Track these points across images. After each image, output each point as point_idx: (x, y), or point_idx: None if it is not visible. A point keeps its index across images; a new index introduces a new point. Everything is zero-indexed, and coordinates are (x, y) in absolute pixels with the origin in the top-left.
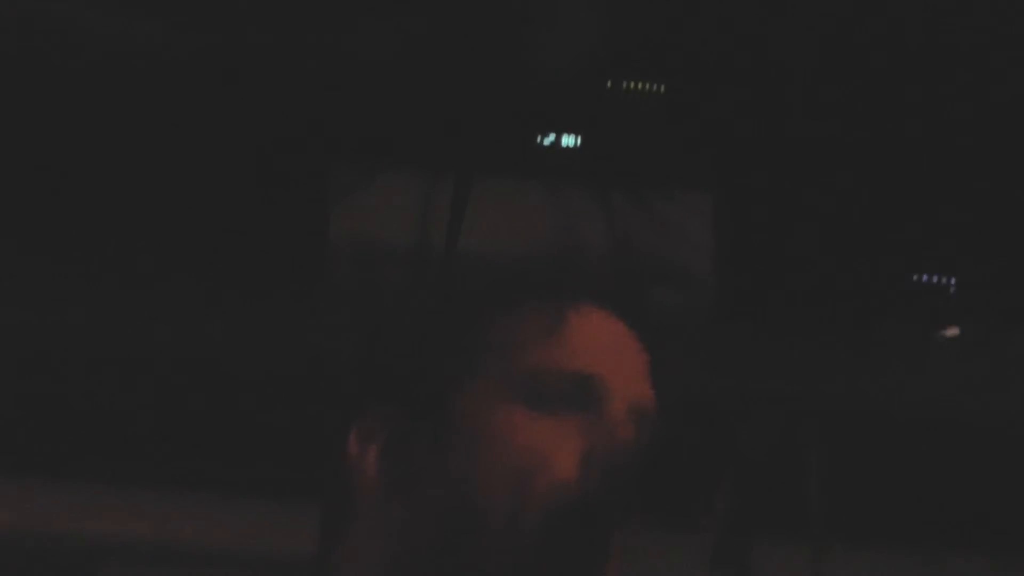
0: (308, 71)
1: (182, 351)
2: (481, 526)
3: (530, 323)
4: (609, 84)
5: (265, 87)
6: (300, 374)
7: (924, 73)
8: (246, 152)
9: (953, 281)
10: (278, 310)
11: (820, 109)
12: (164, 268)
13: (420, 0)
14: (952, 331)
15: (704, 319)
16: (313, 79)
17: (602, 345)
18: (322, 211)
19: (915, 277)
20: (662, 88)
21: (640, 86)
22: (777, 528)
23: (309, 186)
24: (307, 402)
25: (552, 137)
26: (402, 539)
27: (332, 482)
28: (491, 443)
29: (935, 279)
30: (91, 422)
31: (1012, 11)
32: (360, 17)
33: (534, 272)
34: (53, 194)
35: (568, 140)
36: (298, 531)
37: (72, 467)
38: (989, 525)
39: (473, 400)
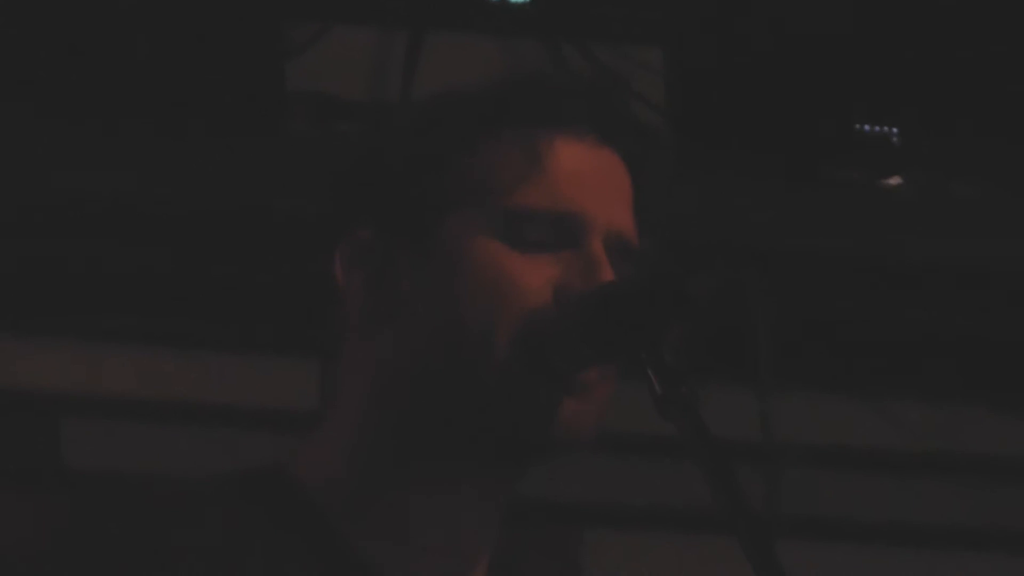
0: None
1: (141, 200)
2: (457, 346)
3: (508, 159)
4: None
5: None
6: (256, 224)
7: None
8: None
9: (896, 130)
10: (236, 161)
11: None
12: (120, 115)
13: None
14: (895, 179)
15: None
16: None
17: (583, 178)
18: (278, 65)
19: (859, 126)
20: None
21: None
22: (724, 373)
23: (266, 41)
24: (264, 255)
25: None
26: (393, 360)
27: (324, 304)
28: (472, 273)
29: (878, 128)
30: (50, 275)
31: None
32: None
33: (517, 101)
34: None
35: None
36: (263, 383)
37: (33, 323)
38: (933, 369)
39: (456, 232)
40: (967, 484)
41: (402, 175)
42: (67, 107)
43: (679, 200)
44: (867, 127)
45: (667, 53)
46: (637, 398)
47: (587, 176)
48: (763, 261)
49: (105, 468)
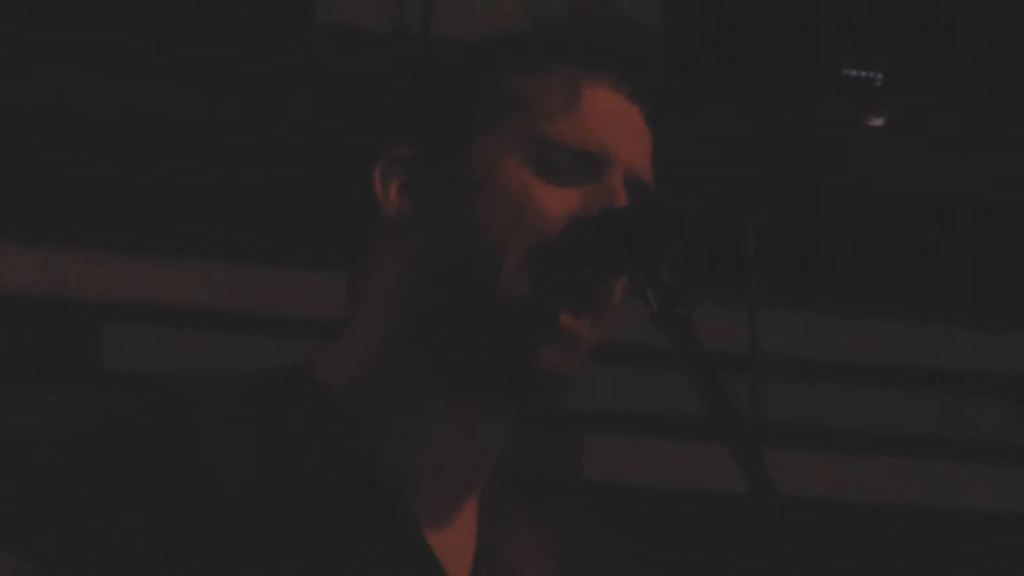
0: None
1: (173, 120)
2: (475, 258)
3: (548, 92)
4: None
5: None
6: (284, 146)
7: None
8: None
9: (880, 75)
10: (267, 86)
11: None
12: (155, 39)
13: None
14: (878, 120)
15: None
16: None
17: (610, 122)
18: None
19: (846, 71)
20: None
21: None
22: (715, 291)
23: None
24: (289, 169)
25: None
26: (416, 265)
27: (358, 212)
28: (498, 193)
29: (864, 73)
30: (91, 190)
31: None
32: None
33: (562, 41)
34: None
35: None
36: (294, 293)
37: (75, 235)
38: (909, 288)
39: (488, 153)
40: (943, 396)
41: (443, 94)
42: (110, 33)
43: (678, 129)
44: (854, 72)
45: None
46: (635, 312)
47: (617, 122)
48: (754, 187)
49: (142, 371)
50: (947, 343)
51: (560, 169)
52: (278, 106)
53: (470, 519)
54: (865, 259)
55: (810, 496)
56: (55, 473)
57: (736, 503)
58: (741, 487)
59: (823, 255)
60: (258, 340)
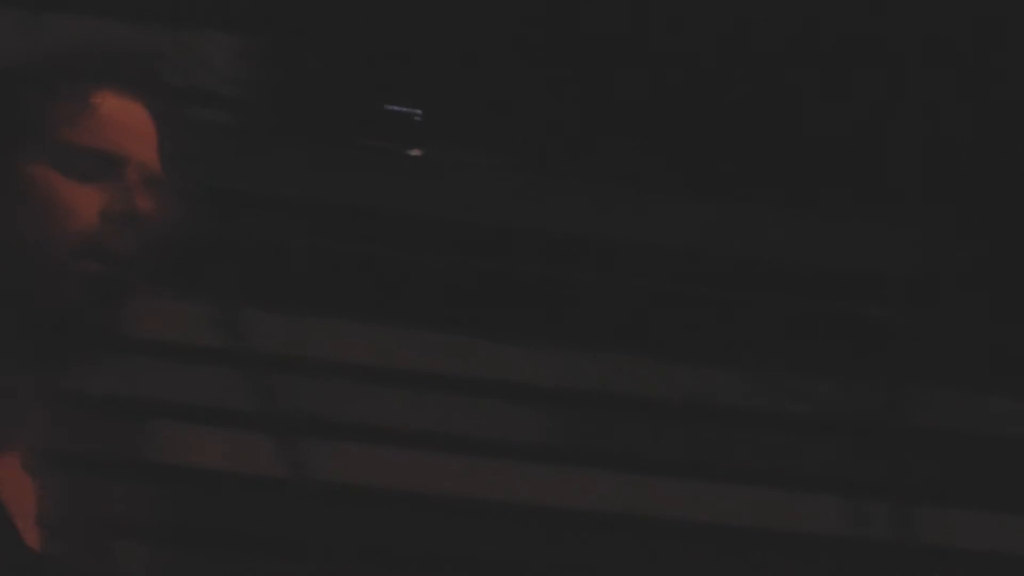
0: None
1: None
2: (22, 261)
3: (64, 105)
4: None
5: None
6: None
7: None
8: None
9: (420, 112)
10: None
11: None
12: None
13: None
14: (416, 151)
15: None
16: None
17: (123, 126)
18: None
19: (388, 107)
20: None
21: None
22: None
23: None
24: None
25: None
26: None
27: None
28: (29, 199)
29: (405, 109)
30: None
31: None
32: None
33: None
34: None
35: None
36: None
37: None
38: None
39: (14, 163)
40: None
41: None
42: None
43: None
44: (395, 107)
45: None
46: None
47: (125, 122)
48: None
49: None
50: None
51: (82, 170)
52: None
53: None
54: None
55: None
56: None
57: None
58: None
59: None
60: None
